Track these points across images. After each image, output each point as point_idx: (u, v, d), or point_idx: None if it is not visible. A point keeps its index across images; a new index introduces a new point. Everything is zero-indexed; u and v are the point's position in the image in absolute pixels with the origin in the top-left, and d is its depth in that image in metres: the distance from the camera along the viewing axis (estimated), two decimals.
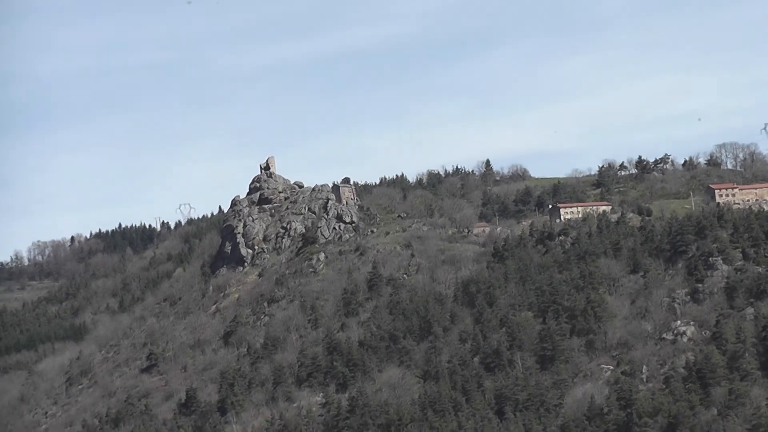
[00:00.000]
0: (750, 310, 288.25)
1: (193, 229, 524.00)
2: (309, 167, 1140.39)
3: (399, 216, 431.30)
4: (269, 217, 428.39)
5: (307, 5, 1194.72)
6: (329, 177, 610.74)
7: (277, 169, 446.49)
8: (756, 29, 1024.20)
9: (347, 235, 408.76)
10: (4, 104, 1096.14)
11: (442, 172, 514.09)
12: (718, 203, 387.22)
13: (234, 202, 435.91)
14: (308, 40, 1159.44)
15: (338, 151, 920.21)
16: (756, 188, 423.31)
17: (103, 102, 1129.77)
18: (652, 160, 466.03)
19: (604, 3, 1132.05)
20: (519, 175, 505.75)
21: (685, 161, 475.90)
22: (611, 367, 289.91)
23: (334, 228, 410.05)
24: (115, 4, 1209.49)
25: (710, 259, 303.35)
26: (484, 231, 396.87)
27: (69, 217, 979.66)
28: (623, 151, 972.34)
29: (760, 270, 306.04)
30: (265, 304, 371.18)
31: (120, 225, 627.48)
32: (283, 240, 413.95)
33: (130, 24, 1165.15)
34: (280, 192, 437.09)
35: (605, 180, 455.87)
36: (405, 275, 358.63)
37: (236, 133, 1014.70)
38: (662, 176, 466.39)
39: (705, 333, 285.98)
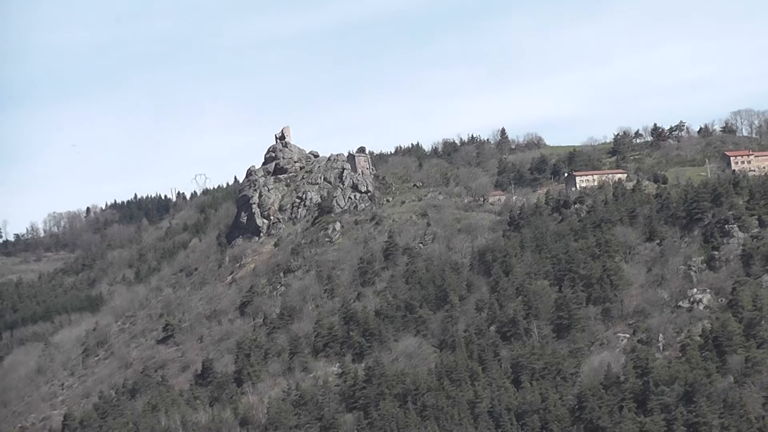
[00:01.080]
0: (766, 278, 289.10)
1: (209, 200, 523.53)
2: (324, 137, 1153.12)
3: (414, 185, 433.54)
4: (284, 187, 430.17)
5: None
6: (344, 147, 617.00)
7: (293, 138, 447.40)
8: None
9: (363, 205, 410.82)
10: (17, 77, 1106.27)
11: (457, 141, 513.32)
12: (734, 170, 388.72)
13: (249, 172, 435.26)
14: (321, 9, 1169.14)
15: (353, 120, 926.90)
16: None
17: (116, 74, 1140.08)
18: (667, 127, 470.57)
19: None
20: (534, 144, 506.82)
21: (701, 128, 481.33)
22: (627, 336, 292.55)
23: (350, 197, 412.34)
24: None
25: (726, 226, 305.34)
26: (499, 199, 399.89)
27: (84, 188, 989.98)
28: (638, 119, 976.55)
29: None
30: (281, 274, 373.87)
31: (135, 196, 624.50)
32: (299, 210, 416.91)
33: None
34: (295, 162, 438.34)
35: (621, 148, 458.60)
36: (421, 244, 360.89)
37: (250, 103, 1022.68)
38: (677, 144, 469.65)
39: (721, 300, 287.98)
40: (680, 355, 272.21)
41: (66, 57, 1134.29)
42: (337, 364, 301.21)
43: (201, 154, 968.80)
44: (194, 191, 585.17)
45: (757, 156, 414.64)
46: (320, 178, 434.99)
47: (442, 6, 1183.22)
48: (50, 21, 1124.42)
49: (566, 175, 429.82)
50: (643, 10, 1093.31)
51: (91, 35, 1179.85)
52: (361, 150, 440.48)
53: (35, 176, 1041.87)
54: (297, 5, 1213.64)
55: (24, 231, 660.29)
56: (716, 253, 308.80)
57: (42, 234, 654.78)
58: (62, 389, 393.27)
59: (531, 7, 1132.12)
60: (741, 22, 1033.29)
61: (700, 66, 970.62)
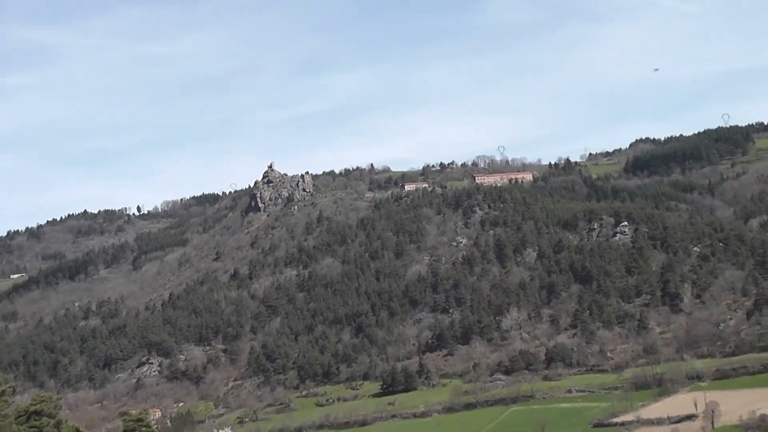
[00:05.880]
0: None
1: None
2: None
3: (331, 189, 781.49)
4: (273, 189, 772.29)
5: None
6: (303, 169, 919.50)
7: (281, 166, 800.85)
8: None
9: (307, 197, 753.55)
10: None
11: (348, 169, 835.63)
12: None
13: (256, 184, 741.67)
14: None
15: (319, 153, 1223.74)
16: None
17: None
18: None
19: None
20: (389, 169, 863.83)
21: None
22: (428, 257, 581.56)
23: (302, 193, 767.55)
24: None
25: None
26: (372, 197, 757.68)
27: None
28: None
29: None
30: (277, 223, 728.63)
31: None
32: (278, 200, 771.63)
33: None
34: (277, 178, 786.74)
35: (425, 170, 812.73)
36: (335, 215, 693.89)
37: None
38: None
39: (471, 240, 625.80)
40: (452, 266, 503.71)
41: None
42: None
43: None
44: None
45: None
46: (288, 186, 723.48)
47: None
48: None
49: (401, 185, 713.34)
50: None
51: None
52: (306, 173, 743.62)
53: None
54: None
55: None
56: (469, 220, 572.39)
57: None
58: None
59: None
60: None
61: None
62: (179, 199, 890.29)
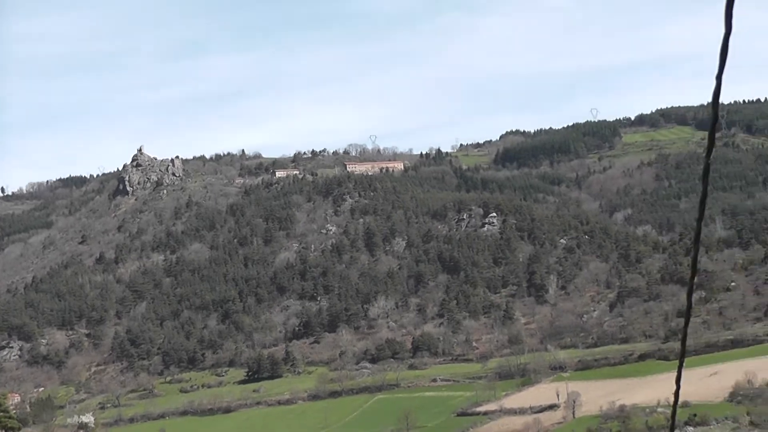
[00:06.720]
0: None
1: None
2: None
3: (200, 174, 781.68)
4: (142, 173, 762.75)
5: None
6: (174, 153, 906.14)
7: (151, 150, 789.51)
8: None
9: (176, 182, 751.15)
10: None
11: (219, 155, 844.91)
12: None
13: (125, 167, 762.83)
14: None
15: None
16: None
17: None
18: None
19: None
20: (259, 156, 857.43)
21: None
22: (296, 245, 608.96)
23: (171, 177, 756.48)
24: None
25: None
26: (242, 182, 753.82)
27: None
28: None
29: None
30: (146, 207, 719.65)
31: None
32: (147, 183, 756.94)
33: None
34: (147, 162, 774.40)
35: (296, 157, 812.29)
36: (204, 200, 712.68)
37: None
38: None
39: (340, 229, 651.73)
40: (320, 254, 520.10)
41: None
42: None
43: None
44: None
45: None
46: (158, 170, 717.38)
47: None
48: None
49: (272, 172, 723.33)
50: None
51: None
52: (176, 157, 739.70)
53: None
54: None
55: None
56: (339, 208, 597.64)
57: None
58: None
59: None
60: None
61: None
62: (45, 181, 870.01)
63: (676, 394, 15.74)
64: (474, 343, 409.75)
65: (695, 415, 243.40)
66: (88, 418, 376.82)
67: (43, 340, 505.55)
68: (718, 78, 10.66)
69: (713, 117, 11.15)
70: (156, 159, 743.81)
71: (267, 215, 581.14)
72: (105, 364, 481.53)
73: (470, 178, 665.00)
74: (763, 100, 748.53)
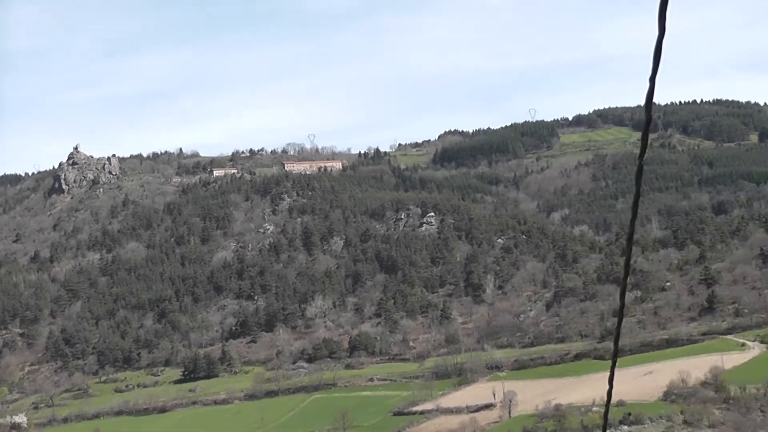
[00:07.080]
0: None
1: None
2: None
3: (138, 173, 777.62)
4: (78, 171, 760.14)
5: None
6: (111, 152, 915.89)
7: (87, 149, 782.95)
8: None
9: (113, 180, 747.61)
10: None
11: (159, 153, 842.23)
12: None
13: (60, 165, 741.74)
14: None
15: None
16: None
17: None
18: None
19: None
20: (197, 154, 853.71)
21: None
22: (234, 244, 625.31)
23: (108, 176, 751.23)
24: None
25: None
26: (180, 181, 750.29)
27: None
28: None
29: None
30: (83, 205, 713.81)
31: None
32: (83, 182, 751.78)
33: None
34: (83, 161, 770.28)
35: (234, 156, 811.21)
36: (141, 199, 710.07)
37: None
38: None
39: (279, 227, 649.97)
40: (258, 253, 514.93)
41: None
42: None
43: None
44: None
45: None
46: (94, 168, 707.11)
47: None
48: None
49: (209, 171, 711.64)
50: None
51: None
52: (113, 155, 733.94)
53: None
54: None
55: None
56: (277, 207, 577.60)
57: None
58: None
59: None
60: None
61: None
62: None
63: (609, 393, 15.85)
64: (411, 343, 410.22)
65: (630, 414, 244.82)
66: (21, 418, 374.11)
67: None
68: (652, 80, 10.72)
69: (647, 119, 11.24)
70: (92, 157, 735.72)
71: (204, 214, 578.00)
72: (39, 364, 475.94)
73: (408, 178, 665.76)
74: (699, 101, 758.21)
